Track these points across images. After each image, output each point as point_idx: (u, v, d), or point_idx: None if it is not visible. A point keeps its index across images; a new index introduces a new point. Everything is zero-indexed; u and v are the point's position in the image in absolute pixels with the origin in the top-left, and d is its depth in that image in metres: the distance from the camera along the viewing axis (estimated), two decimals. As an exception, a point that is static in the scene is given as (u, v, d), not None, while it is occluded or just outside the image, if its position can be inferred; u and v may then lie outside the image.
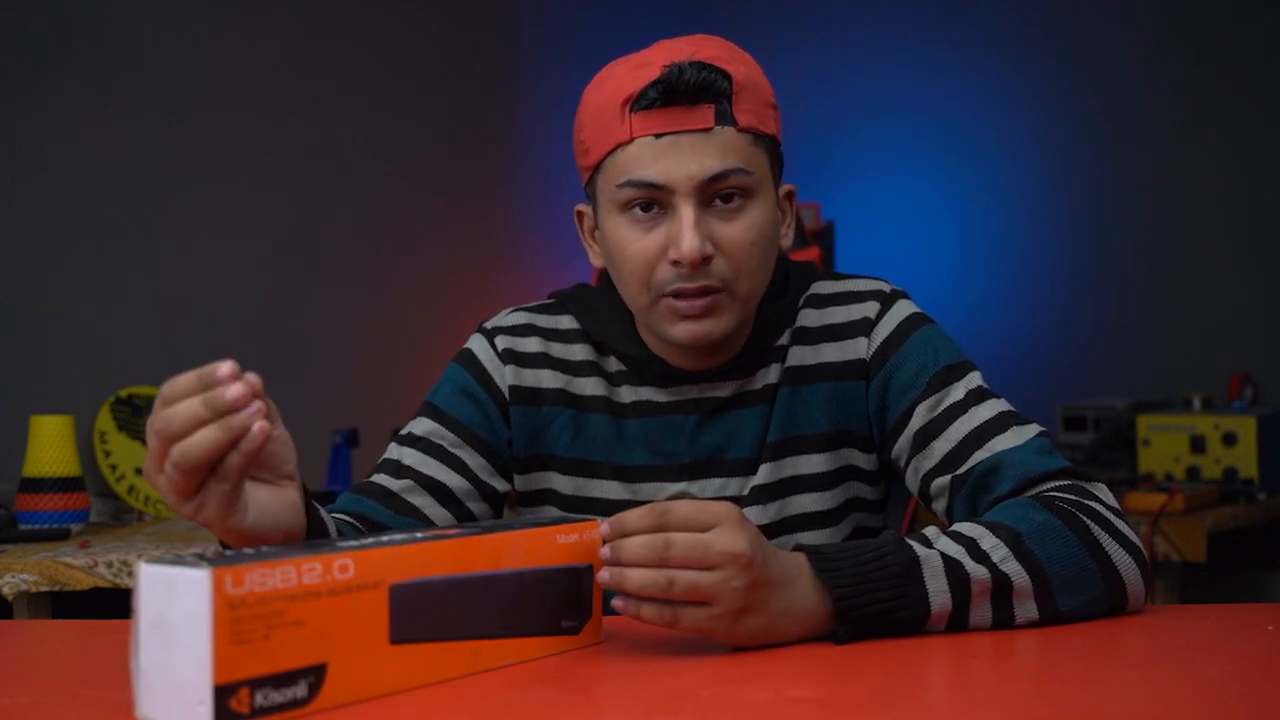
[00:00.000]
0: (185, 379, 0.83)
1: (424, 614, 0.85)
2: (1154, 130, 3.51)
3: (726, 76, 1.15)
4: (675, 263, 1.14)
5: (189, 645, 0.73)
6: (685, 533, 0.92)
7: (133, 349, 2.74)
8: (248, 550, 0.80)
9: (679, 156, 1.14)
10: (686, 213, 1.14)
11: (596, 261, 1.27)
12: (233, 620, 0.73)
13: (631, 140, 1.15)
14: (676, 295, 1.15)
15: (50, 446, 2.21)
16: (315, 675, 0.78)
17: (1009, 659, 0.95)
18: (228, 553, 0.79)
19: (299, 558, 0.77)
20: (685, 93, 1.13)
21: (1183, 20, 3.48)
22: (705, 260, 1.14)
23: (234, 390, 0.82)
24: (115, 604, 2.20)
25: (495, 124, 3.62)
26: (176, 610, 0.73)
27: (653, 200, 1.15)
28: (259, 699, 0.75)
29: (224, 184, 2.95)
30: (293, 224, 3.09)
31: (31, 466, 2.21)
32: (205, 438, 0.82)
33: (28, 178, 2.62)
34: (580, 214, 1.28)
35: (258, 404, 0.83)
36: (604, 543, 0.93)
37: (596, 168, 1.19)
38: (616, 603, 0.93)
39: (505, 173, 3.64)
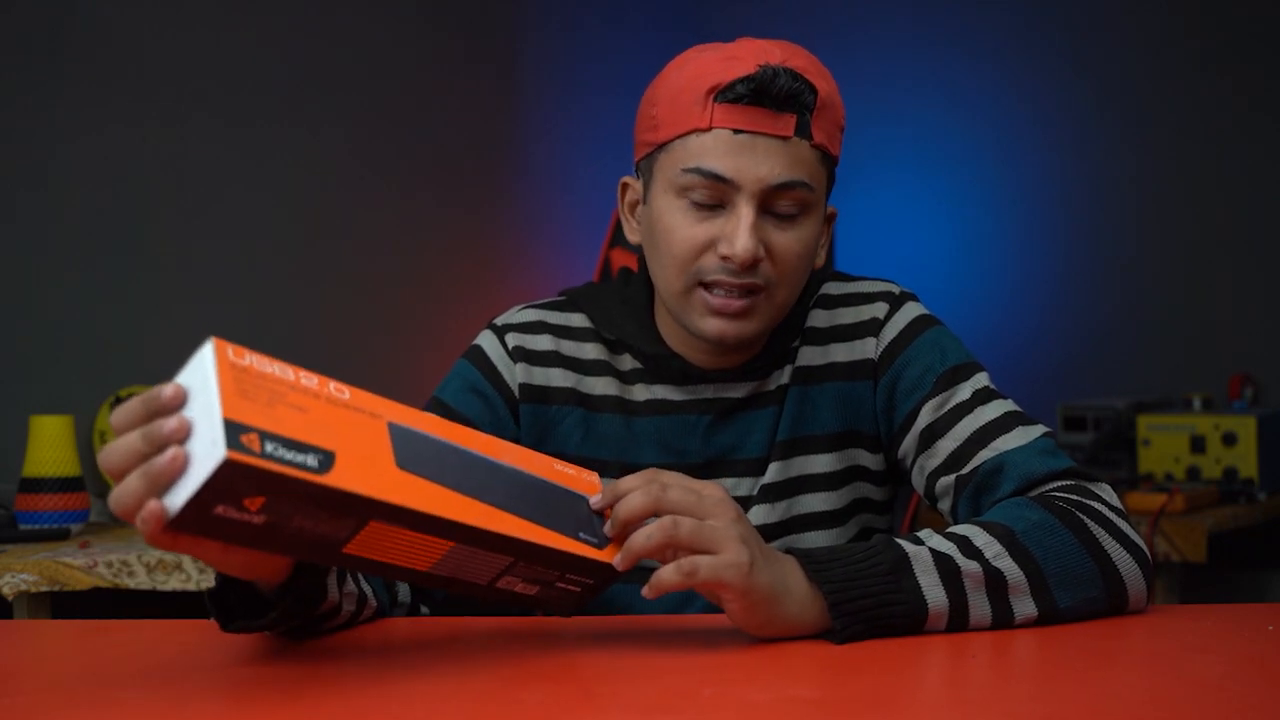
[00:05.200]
0: (131, 405, 0.78)
1: (429, 459, 0.85)
2: (1153, 130, 3.51)
3: (814, 90, 1.15)
4: (725, 258, 1.15)
5: (204, 401, 0.76)
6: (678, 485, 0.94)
7: (133, 349, 2.74)
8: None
9: (753, 157, 1.14)
10: (746, 212, 1.14)
11: (633, 238, 1.27)
12: (236, 378, 0.77)
13: (710, 129, 1.15)
14: (715, 286, 1.16)
15: (50, 446, 2.21)
16: (325, 456, 0.79)
17: (1009, 659, 0.95)
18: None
19: (294, 367, 0.82)
20: (775, 97, 1.14)
21: (1181, 19, 3.48)
22: (755, 263, 1.15)
23: (171, 424, 0.76)
24: (115, 604, 2.20)
25: (497, 125, 3.62)
26: (195, 380, 0.77)
27: (716, 194, 1.15)
28: (269, 447, 0.76)
29: (224, 184, 2.95)
30: (293, 224, 3.09)
31: (31, 466, 2.21)
32: (130, 489, 0.76)
33: (28, 179, 2.62)
34: (625, 186, 1.28)
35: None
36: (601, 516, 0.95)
37: (662, 146, 1.19)
38: (646, 591, 0.92)
39: (507, 173, 3.64)
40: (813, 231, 1.19)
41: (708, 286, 1.17)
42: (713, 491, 0.95)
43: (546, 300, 1.33)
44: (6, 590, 1.91)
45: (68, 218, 2.67)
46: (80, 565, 1.94)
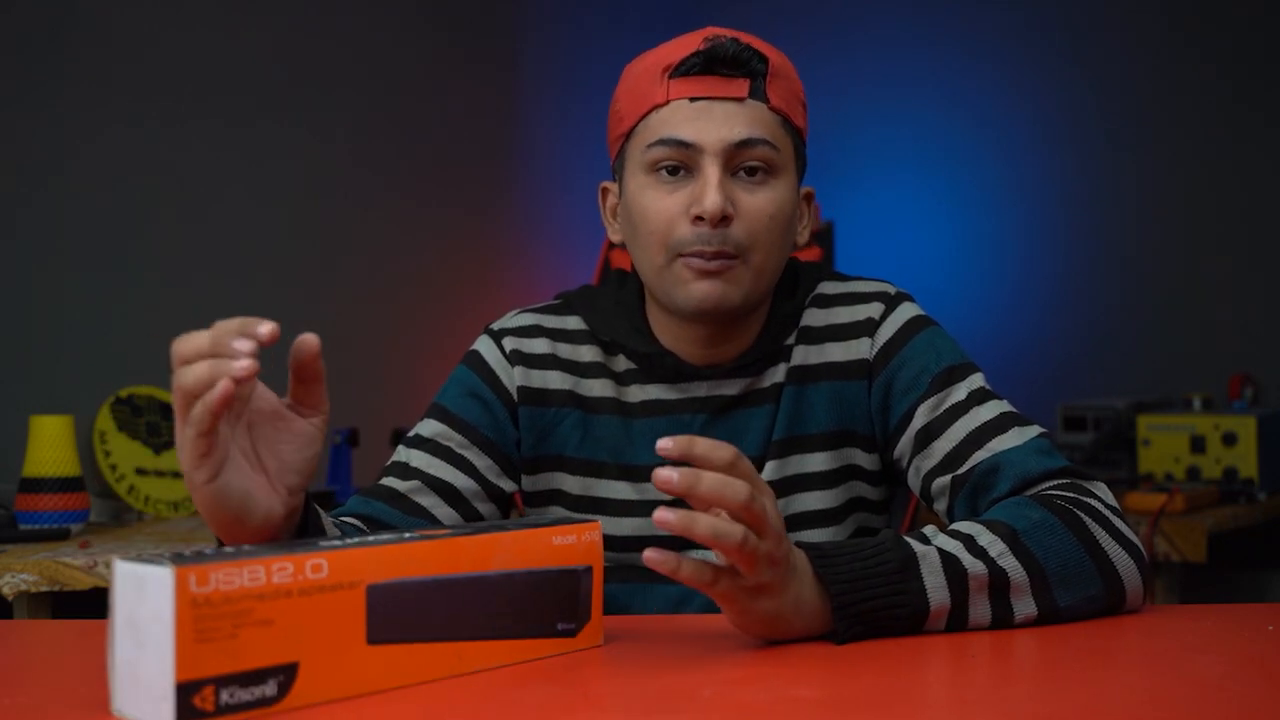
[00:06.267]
0: (234, 320, 0.85)
1: (404, 615, 0.84)
2: (1153, 131, 3.51)
3: (763, 58, 1.19)
4: (697, 219, 1.16)
5: (155, 643, 0.74)
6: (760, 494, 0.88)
7: (133, 349, 2.74)
8: (227, 549, 0.80)
9: (711, 120, 1.17)
10: (712, 172, 1.16)
11: (615, 238, 1.28)
12: (196, 619, 0.73)
13: (667, 103, 1.19)
14: (692, 256, 1.17)
15: (50, 446, 2.21)
16: (286, 674, 0.78)
17: (1008, 659, 0.95)
18: (206, 550, 0.79)
19: (270, 557, 0.77)
20: (724, 62, 1.18)
21: (1181, 20, 3.48)
22: (725, 220, 1.16)
23: (239, 343, 0.83)
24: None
25: (496, 125, 3.62)
26: (145, 608, 0.74)
27: (680, 163, 1.18)
28: (225, 697, 0.75)
29: (224, 184, 2.95)
30: (292, 225, 3.09)
31: (31, 466, 2.21)
32: (195, 371, 0.83)
33: (28, 179, 2.62)
34: (604, 190, 1.31)
35: (245, 364, 0.83)
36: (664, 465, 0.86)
37: (629, 134, 1.22)
38: (652, 555, 0.86)
39: (506, 173, 3.64)
40: (783, 195, 1.20)
41: (686, 256, 1.18)
42: (770, 508, 0.90)
43: (542, 304, 1.34)
44: (6, 590, 1.91)
45: (68, 218, 2.67)
46: (80, 565, 1.94)
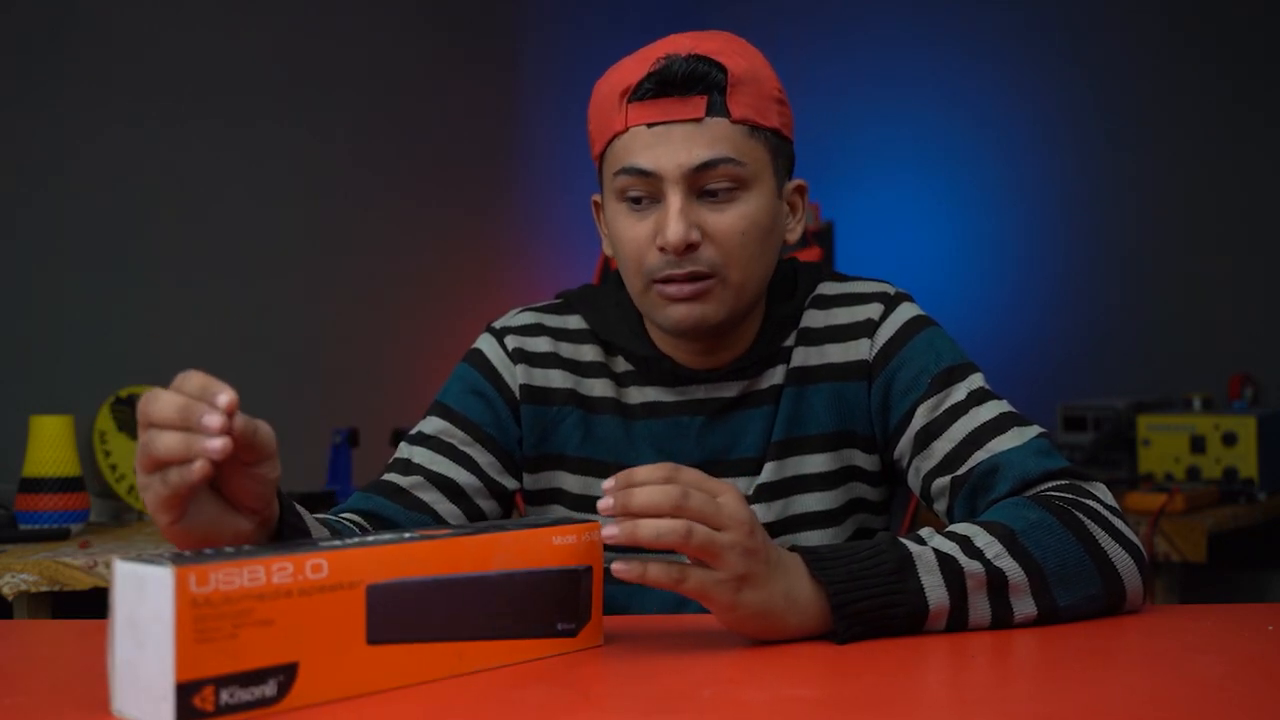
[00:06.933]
0: (196, 379, 0.82)
1: (404, 615, 0.84)
2: (1152, 130, 3.51)
3: (722, 69, 1.16)
4: (662, 249, 1.16)
5: (155, 642, 0.74)
6: (698, 490, 0.91)
7: (133, 349, 2.74)
8: (227, 549, 0.80)
9: (669, 145, 1.16)
10: (674, 200, 1.15)
11: (608, 250, 1.28)
12: (196, 619, 0.73)
13: (626, 130, 1.18)
14: (666, 281, 1.17)
15: (50, 446, 2.21)
16: (285, 674, 0.78)
17: (1008, 659, 0.95)
18: (206, 550, 0.79)
19: (270, 557, 0.77)
20: (677, 83, 1.15)
21: (1181, 20, 3.48)
22: (691, 247, 1.15)
23: (209, 419, 0.80)
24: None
25: (496, 125, 3.62)
26: (145, 608, 0.74)
27: (647, 188, 1.17)
28: (225, 697, 0.75)
29: (224, 184, 2.95)
30: (292, 225, 3.09)
31: (31, 466, 2.21)
32: (167, 441, 0.81)
33: (28, 179, 2.62)
34: (596, 204, 1.30)
35: (218, 445, 0.80)
36: (608, 497, 0.91)
37: (601, 158, 1.22)
38: (618, 566, 0.90)
39: (506, 173, 3.64)
40: (757, 207, 1.18)
41: (659, 282, 1.17)
42: (729, 501, 0.92)
43: (543, 303, 1.34)
44: (6, 590, 1.91)
45: (68, 218, 2.67)
46: (80, 565, 1.94)
